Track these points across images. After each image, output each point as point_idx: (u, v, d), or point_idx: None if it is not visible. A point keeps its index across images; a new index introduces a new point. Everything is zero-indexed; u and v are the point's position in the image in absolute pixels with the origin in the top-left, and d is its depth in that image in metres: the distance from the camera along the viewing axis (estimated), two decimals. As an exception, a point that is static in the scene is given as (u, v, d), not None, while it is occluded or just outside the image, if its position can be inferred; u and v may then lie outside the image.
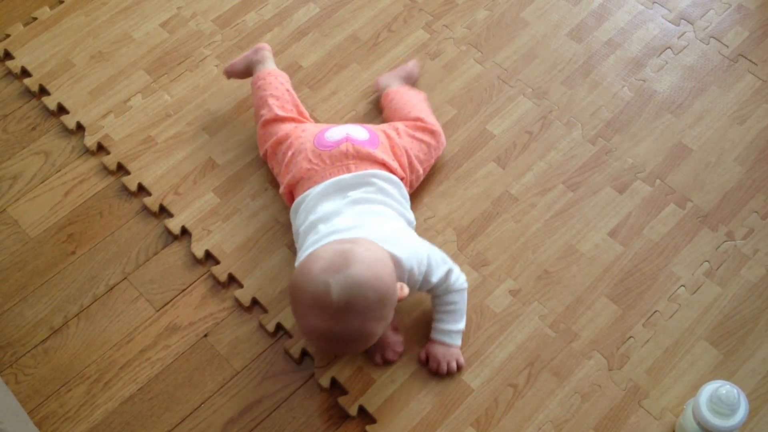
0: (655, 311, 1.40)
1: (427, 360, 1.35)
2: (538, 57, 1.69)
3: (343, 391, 1.36)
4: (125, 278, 1.49)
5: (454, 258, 1.46)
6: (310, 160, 1.39)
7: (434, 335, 1.35)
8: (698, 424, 1.19)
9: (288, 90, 1.55)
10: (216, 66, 1.71)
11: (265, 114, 1.51)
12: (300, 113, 1.53)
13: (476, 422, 1.31)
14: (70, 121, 1.66)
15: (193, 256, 1.50)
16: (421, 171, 1.48)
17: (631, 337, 1.38)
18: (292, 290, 1.22)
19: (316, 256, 1.20)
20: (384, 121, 1.58)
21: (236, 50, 1.73)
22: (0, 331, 1.44)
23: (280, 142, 1.47)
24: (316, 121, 1.63)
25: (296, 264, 1.30)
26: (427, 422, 1.32)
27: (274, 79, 1.56)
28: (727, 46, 1.68)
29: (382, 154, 1.40)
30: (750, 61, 1.66)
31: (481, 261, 1.46)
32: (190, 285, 1.47)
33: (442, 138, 1.53)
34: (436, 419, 1.32)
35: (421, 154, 1.48)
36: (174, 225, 1.53)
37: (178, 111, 1.67)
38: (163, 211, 1.56)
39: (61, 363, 1.41)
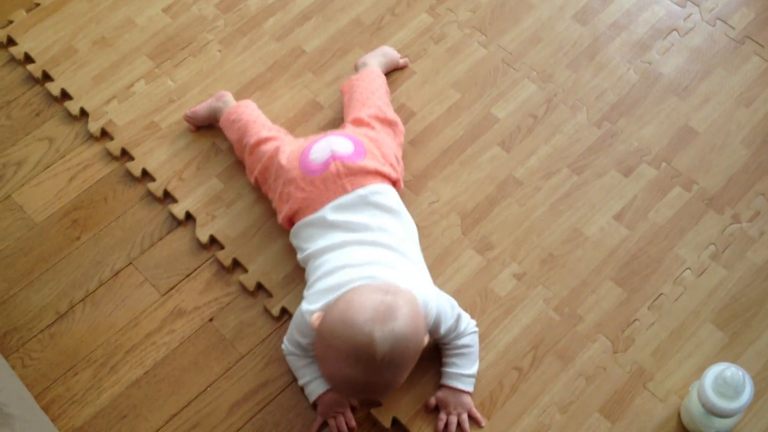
0: (661, 294, 1.39)
1: (436, 407, 1.30)
2: (543, 40, 1.68)
3: (348, 375, 1.36)
4: (130, 263, 1.49)
5: (458, 242, 1.46)
6: (303, 189, 1.35)
7: (445, 380, 1.30)
8: (703, 406, 1.19)
9: (262, 114, 1.54)
10: (219, 51, 1.71)
11: (250, 140, 1.47)
12: (281, 131, 1.51)
13: (480, 405, 1.31)
14: (73, 107, 1.66)
15: (198, 241, 1.50)
16: (402, 163, 1.47)
17: (636, 320, 1.38)
18: (326, 336, 1.16)
19: (359, 305, 1.15)
20: (342, 96, 1.56)
21: (239, 35, 1.73)
22: (6, 316, 1.44)
23: (266, 168, 1.44)
24: (320, 106, 1.62)
25: (307, 293, 1.28)
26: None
27: (245, 108, 1.54)
28: (734, 28, 1.67)
29: (372, 162, 1.36)
30: (756, 42, 1.65)
31: (485, 245, 1.46)
32: (195, 270, 1.48)
33: (401, 127, 1.51)
34: (441, 402, 1.32)
35: (396, 147, 1.47)
36: (178, 210, 1.53)
37: (182, 96, 1.66)
38: (168, 197, 1.56)
39: (68, 347, 1.41)
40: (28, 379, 1.38)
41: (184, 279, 1.47)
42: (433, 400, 1.31)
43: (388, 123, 1.49)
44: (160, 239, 1.51)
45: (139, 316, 1.43)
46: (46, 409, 1.35)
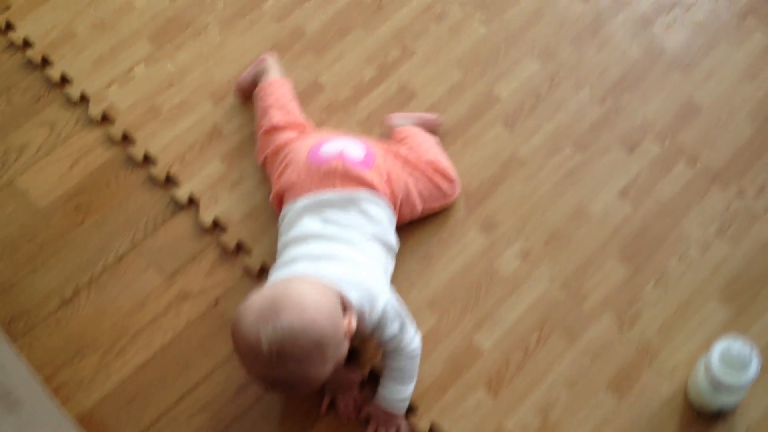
0: (666, 271, 1.39)
1: (368, 419, 1.30)
2: (545, 17, 1.67)
3: (354, 356, 1.36)
4: (134, 248, 1.49)
5: (462, 222, 1.46)
6: (298, 173, 1.35)
7: (377, 400, 1.29)
8: (710, 381, 1.19)
9: (291, 99, 1.53)
10: (219, 33, 1.70)
11: (266, 124, 1.47)
12: (302, 122, 1.50)
13: (488, 383, 1.32)
14: (74, 91, 1.65)
15: (201, 225, 1.50)
16: (419, 208, 1.41)
17: (641, 296, 1.37)
18: (231, 333, 1.16)
19: (249, 305, 1.14)
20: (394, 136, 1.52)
21: (238, 17, 1.71)
22: (12, 302, 1.44)
23: (278, 150, 1.43)
24: (322, 87, 1.61)
25: (266, 284, 1.25)
26: (438, 384, 1.33)
27: (277, 88, 1.53)
28: (737, 2, 1.65)
29: (373, 176, 1.34)
30: (760, 16, 1.63)
31: (489, 224, 1.46)
32: (200, 253, 1.47)
33: (457, 187, 1.45)
34: (447, 381, 1.33)
35: (426, 191, 1.41)
36: (181, 194, 1.53)
37: (182, 79, 1.66)
38: (170, 181, 1.55)
39: (74, 332, 1.41)
40: (36, 365, 1.38)
41: (188, 263, 1.47)
42: (365, 411, 1.30)
43: (446, 177, 1.43)
44: (164, 223, 1.51)
45: (144, 300, 1.43)
46: (54, 393, 1.35)
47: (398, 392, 1.27)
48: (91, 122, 1.62)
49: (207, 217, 1.50)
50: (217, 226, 1.50)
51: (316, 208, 1.31)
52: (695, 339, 1.34)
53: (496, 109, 1.57)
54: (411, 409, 1.31)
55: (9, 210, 1.54)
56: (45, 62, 1.70)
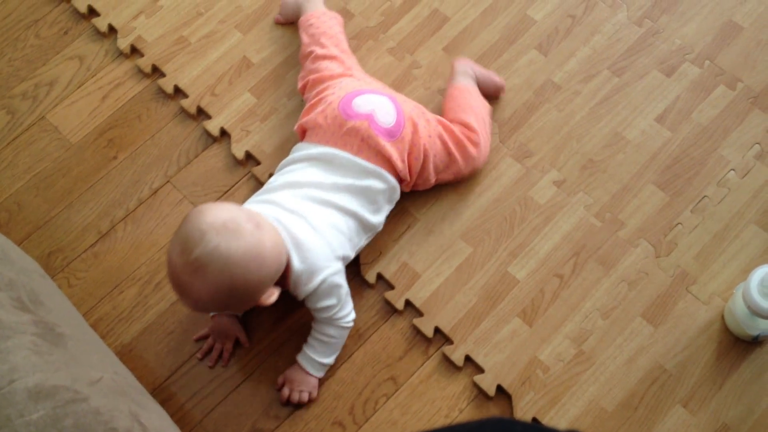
0: (704, 197, 1.37)
1: (284, 384, 1.32)
2: (580, -65, 1.61)
3: (390, 286, 1.37)
4: (168, 181, 1.49)
5: (496, 150, 1.44)
6: (326, 117, 1.31)
7: (299, 358, 1.31)
8: (748, 307, 1.18)
9: (341, 32, 1.50)
10: (245, -40, 1.66)
11: (317, 50, 1.43)
12: (348, 57, 1.46)
13: (522, 312, 1.32)
14: (101, 23, 1.64)
15: (234, 158, 1.50)
16: (432, 179, 1.37)
17: (678, 223, 1.36)
18: (184, 219, 1.15)
19: (219, 210, 1.13)
20: (441, 107, 1.47)
21: (265, -58, 1.68)
22: (49, 237, 1.46)
23: (321, 81, 1.39)
24: (351, 13, 1.58)
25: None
26: (473, 314, 1.33)
27: (329, 19, 1.50)
28: None
29: (393, 150, 1.29)
30: (806, -71, 1.56)
31: (524, 152, 1.44)
32: (233, 186, 1.48)
33: (476, 162, 1.39)
34: (483, 311, 1.33)
35: (441, 164, 1.36)
36: (213, 127, 1.52)
37: (210, 9, 1.63)
38: (201, 113, 1.54)
39: (112, 266, 1.43)
40: (75, 299, 1.40)
41: (222, 195, 1.47)
42: (281, 379, 1.32)
43: (462, 148, 1.36)
44: (196, 156, 1.51)
45: (179, 233, 1.44)
46: (93, 327, 1.37)
47: (325, 356, 1.30)
48: (120, 55, 1.61)
49: (239, 149, 1.49)
50: (249, 158, 1.50)
51: (325, 162, 1.29)
52: (733, 265, 1.32)
53: (530, 32, 1.53)
54: (446, 340, 1.32)
55: (42, 145, 1.54)
56: (71, -6, 1.69)
